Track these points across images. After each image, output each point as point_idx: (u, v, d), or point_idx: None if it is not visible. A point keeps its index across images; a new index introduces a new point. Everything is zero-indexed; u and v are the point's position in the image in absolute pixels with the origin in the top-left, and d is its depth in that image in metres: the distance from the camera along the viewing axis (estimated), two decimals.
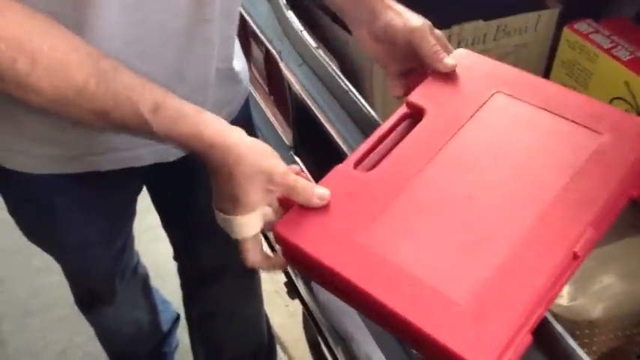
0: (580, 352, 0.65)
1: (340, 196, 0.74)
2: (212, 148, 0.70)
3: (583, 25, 1.34)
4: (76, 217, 1.09)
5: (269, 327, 1.66)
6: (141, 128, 0.70)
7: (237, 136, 0.72)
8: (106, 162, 0.97)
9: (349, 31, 1.28)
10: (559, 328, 0.67)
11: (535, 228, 0.67)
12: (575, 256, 0.65)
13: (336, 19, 1.30)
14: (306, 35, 1.13)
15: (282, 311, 2.10)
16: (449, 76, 0.86)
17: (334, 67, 1.05)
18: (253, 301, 1.53)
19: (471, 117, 0.81)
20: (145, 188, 1.23)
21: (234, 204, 0.72)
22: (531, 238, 0.66)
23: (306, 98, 1.10)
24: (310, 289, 1.18)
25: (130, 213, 1.23)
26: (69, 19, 0.70)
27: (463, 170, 0.75)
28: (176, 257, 1.48)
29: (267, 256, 0.79)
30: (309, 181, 0.75)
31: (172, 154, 1.01)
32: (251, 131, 1.18)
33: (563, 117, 0.80)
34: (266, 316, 1.62)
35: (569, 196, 0.70)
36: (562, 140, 0.77)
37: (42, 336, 2.04)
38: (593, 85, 1.34)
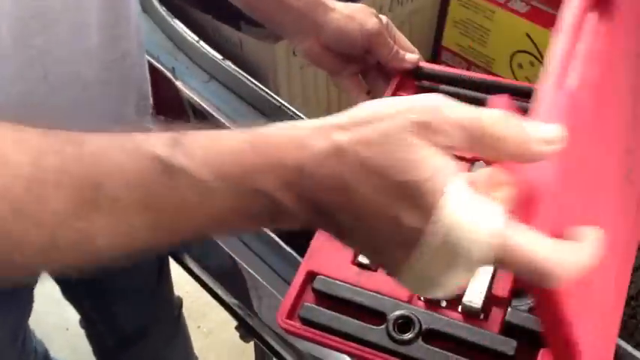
0: None
1: None
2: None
3: None
4: None
5: None
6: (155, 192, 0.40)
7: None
8: None
9: (239, 28, 1.13)
10: None
11: None
12: None
13: (220, 16, 1.14)
14: (207, 46, 0.96)
15: (196, 334, 1.95)
16: None
17: (254, 81, 0.91)
18: (183, 346, 1.39)
19: None
20: None
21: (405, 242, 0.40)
22: None
23: (222, 119, 0.95)
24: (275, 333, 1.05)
25: None
26: None
27: None
28: (85, 324, 1.28)
29: None
30: None
31: None
32: None
33: None
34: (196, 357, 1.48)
35: None
36: None
37: None
38: (492, 41, 1.31)
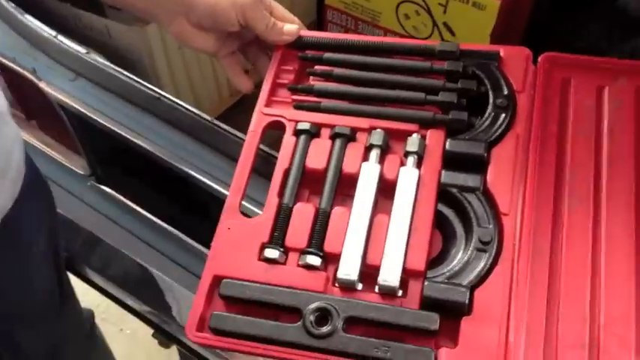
0: None
1: None
2: None
3: None
4: None
5: None
6: None
7: None
8: None
9: (104, 14, 1.03)
10: None
11: None
12: None
13: (80, 3, 1.04)
14: (67, 40, 0.87)
15: (119, 338, 1.87)
16: None
17: (126, 73, 0.82)
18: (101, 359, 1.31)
19: None
20: None
21: None
22: None
23: (100, 119, 0.86)
24: None
25: None
26: None
27: None
28: None
29: None
30: None
31: None
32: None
33: None
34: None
35: None
36: None
37: None
38: None
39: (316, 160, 0.68)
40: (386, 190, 0.66)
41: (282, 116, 0.71)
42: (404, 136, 0.68)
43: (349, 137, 0.69)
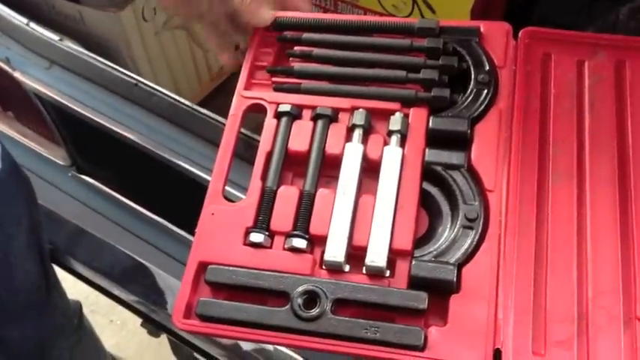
0: None
1: None
2: None
3: None
4: None
5: None
6: None
7: None
8: None
9: (78, 1, 1.01)
10: None
11: None
12: None
13: None
14: (39, 28, 0.85)
15: (109, 329, 1.86)
16: None
17: (101, 59, 0.81)
18: (91, 351, 1.30)
19: None
20: None
21: None
22: None
23: (77, 108, 0.85)
24: None
25: None
26: None
27: None
28: None
29: None
30: None
31: None
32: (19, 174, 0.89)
33: None
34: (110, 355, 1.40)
35: None
36: None
37: None
38: None
39: (299, 142, 0.67)
40: (370, 170, 0.66)
41: (262, 99, 0.70)
42: (386, 115, 0.68)
43: (331, 118, 0.68)
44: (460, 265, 0.59)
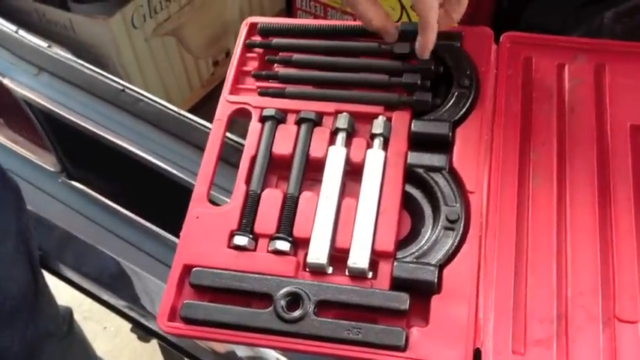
0: None
1: None
2: None
3: None
4: None
5: None
6: None
7: None
8: None
9: (67, 8, 1.02)
10: None
11: None
12: None
13: None
14: (28, 35, 0.85)
15: (103, 336, 1.86)
16: None
17: (89, 65, 0.81)
18: (81, 357, 1.30)
19: None
20: None
21: None
22: None
23: (65, 114, 0.85)
24: None
25: None
26: None
27: None
28: None
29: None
30: None
31: None
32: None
33: None
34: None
35: None
36: None
37: None
38: None
39: (283, 145, 0.68)
40: (353, 173, 0.66)
41: (247, 103, 0.71)
42: (369, 118, 0.68)
43: (315, 122, 0.69)
44: (441, 266, 0.60)
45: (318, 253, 0.62)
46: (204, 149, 0.69)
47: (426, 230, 0.63)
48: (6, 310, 1.00)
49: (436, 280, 0.59)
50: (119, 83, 0.82)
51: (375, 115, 0.68)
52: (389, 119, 0.68)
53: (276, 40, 0.75)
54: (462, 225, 0.62)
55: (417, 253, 0.61)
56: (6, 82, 0.91)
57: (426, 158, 0.65)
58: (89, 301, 1.17)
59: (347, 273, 0.61)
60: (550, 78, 0.70)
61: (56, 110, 0.87)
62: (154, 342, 1.34)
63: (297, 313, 0.59)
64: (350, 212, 0.64)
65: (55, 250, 1.06)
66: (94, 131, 0.86)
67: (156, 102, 0.82)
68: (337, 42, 0.74)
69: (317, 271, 0.62)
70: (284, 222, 0.64)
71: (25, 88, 0.89)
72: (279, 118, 0.69)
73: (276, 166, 0.68)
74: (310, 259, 0.62)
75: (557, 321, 0.58)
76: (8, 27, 0.88)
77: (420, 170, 0.65)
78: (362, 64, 0.71)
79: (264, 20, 0.76)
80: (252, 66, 0.74)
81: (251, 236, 0.63)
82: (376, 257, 0.61)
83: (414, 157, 0.66)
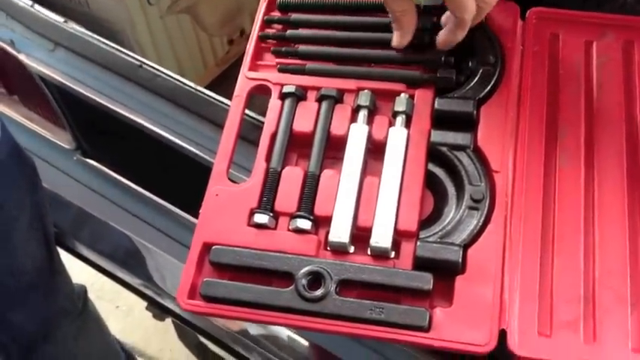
0: None
1: None
2: None
3: None
4: None
5: (122, 346, 1.44)
6: None
7: None
8: None
9: None
10: None
11: None
12: None
13: None
14: (44, 10, 0.84)
15: (115, 315, 1.87)
16: None
17: (105, 41, 0.80)
18: (96, 335, 1.31)
19: None
20: None
21: None
22: None
23: (81, 90, 0.85)
24: None
25: None
26: None
27: None
28: None
29: None
30: None
31: None
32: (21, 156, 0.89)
33: None
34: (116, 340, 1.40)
35: None
36: None
37: None
38: None
39: (303, 123, 0.67)
40: (375, 151, 0.65)
41: (267, 80, 0.70)
42: (391, 96, 0.67)
43: (336, 99, 0.67)
44: (466, 246, 0.59)
45: (339, 231, 0.61)
46: (222, 126, 0.68)
47: (450, 210, 0.62)
48: (22, 287, 1.01)
49: (460, 260, 0.58)
50: (136, 59, 0.81)
51: (398, 93, 0.67)
52: (411, 97, 0.67)
53: (295, 16, 0.73)
54: (486, 204, 0.61)
55: (440, 233, 0.60)
56: (21, 57, 0.90)
57: (450, 137, 0.64)
58: (101, 280, 1.17)
59: (369, 252, 0.60)
60: (577, 55, 0.69)
61: (72, 86, 0.86)
62: (167, 321, 1.35)
63: (318, 292, 0.58)
64: (372, 191, 0.63)
65: (70, 227, 1.06)
66: (110, 107, 0.85)
67: (173, 78, 0.81)
68: (358, 17, 0.72)
69: (338, 250, 0.61)
70: (305, 200, 0.63)
71: (41, 63, 0.89)
72: (299, 95, 0.68)
73: (297, 144, 0.67)
74: (332, 237, 0.61)
75: (585, 302, 0.57)
76: (24, 1, 0.87)
77: (444, 149, 0.64)
78: (384, 39, 0.70)
79: None
80: (271, 42, 0.73)
81: (271, 214, 0.63)
82: (399, 236, 0.61)
83: (438, 136, 0.64)
